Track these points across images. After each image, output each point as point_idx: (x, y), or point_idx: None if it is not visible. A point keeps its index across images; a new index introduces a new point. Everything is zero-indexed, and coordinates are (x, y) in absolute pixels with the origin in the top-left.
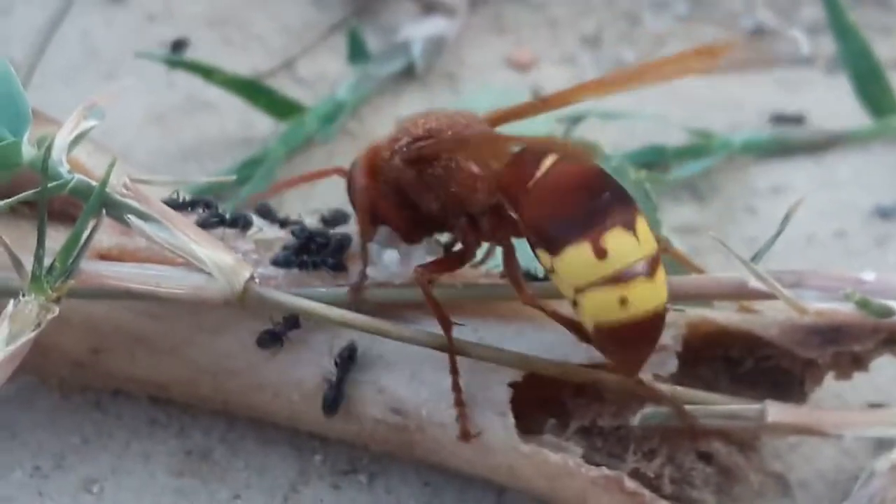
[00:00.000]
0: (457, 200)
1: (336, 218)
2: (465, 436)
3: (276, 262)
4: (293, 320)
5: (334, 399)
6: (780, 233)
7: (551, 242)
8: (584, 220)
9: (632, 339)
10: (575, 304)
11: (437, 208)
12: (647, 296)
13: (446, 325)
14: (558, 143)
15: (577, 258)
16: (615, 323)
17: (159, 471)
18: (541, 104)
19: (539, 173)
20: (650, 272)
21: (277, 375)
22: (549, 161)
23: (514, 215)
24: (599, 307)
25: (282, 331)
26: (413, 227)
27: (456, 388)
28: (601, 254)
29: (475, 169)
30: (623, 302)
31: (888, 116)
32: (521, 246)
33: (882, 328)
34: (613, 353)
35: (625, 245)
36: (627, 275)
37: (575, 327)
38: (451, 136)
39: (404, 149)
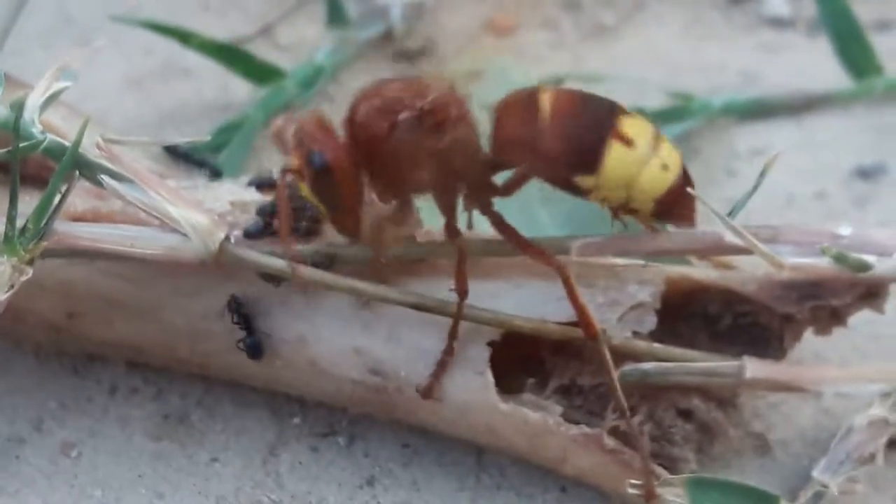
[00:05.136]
0: (455, 173)
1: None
2: (427, 393)
3: (247, 234)
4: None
5: (254, 345)
6: (756, 188)
7: (589, 162)
8: (600, 128)
9: (682, 195)
10: (628, 200)
11: (427, 180)
12: (674, 155)
13: (462, 291)
14: None
15: (615, 159)
16: (668, 189)
17: (137, 435)
18: None
19: (542, 114)
20: (662, 137)
21: None
22: (545, 98)
23: (521, 167)
24: (652, 183)
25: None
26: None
27: (449, 351)
28: (628, 142)
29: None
30: (665, 168)
31: (868, 77)
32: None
33: (860, 283)
34: (675, 215)
35: (637, 125)
36: (654, 146)
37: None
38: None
39: (416, 123)
